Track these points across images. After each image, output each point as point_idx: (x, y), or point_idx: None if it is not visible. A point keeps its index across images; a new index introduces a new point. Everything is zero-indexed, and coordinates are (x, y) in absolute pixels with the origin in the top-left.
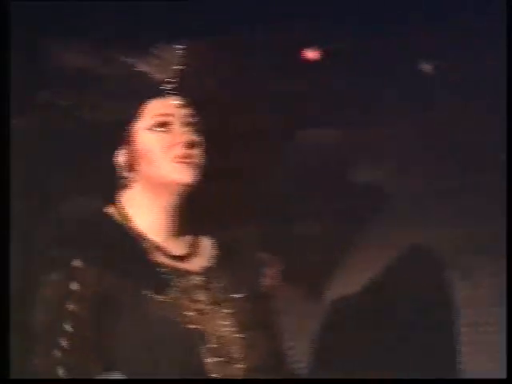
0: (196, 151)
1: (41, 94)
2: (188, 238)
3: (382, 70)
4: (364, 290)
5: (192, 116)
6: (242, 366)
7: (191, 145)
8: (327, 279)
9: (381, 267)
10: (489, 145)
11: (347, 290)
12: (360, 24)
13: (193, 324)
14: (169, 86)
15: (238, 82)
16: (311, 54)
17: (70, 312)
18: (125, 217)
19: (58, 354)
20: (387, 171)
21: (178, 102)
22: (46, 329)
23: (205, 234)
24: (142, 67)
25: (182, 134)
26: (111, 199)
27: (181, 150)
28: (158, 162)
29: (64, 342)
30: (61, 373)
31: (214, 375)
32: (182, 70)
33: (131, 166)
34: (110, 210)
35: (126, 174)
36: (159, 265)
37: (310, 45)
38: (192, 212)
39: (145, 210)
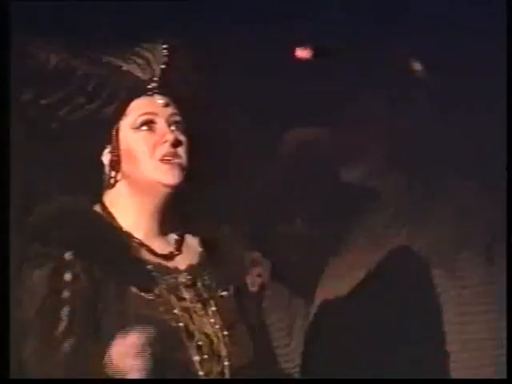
0: (181, 150)
1: (24, 93)
2: (173, 237)
3: (380, 70)
4: (354, 289)
5: (177, 115)
6: (228, 363)
7: (176, 144)
8: (316, 278)
9: (371, 266)
10: (489, 145)
11: (336, 290)
12: (360, 24)
13: (179, 322)
14: (153, 85)
15: (223, 81)
16: (303, 53)
17: (66, 300)
18: (110, 216)
19: (58, 334)
20: (379, 171)
21: (162, 100)
22: (43, 317)
23: (190, 232)
24: (127, 66)
25: (166, 133)
26: (97, 198)
27: (165, 149)
28: (142, 162)
29: (63, 327)
30: (64, 352)
31: (200, 373)
32: (166, 68)
33: (115, 166)
34: (97, 208)
35: (110, 173)
36: (145, 262)
37: (301, 43)
38: (177, 211)
39: (129, 210)
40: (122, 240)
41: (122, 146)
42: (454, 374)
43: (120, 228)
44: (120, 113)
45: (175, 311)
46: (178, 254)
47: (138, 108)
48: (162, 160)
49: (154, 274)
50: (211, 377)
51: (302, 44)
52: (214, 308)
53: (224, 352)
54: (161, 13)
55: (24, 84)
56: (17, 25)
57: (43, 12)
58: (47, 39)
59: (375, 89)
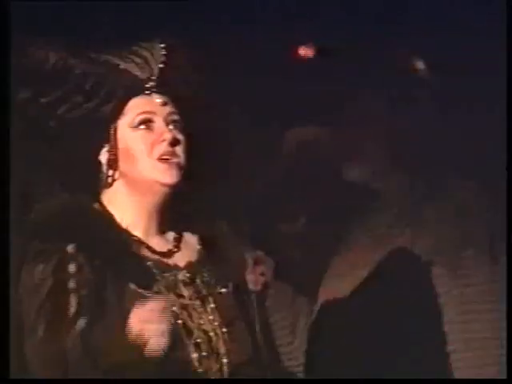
0: (179, 149)
1: (22, 92)
2: (171, 235)
3: (380, 70)
4: (357, 288)
5: (175, 114)
6: (227, 360)
7: (174, 143)
8: (320, 277)
9: (374, 266)
10: (489, 145)
11: (339, 289)
12: (360, 24)
13: (177, 319)
14: (151, 84)
15: (223, 81)
16: (306, 51)
17: (72, 289)
18: (108, 214)
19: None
20: (382, 171)
21: (160, 99)
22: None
23: (189, 230)
24: (124, 65)
25: (164, 132)
26: (95, 197)
27: (163, 148)
28: (140, 161)
29: (73, 308)
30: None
31: (199, 370)
32: (164, 67)
33: (113, 165)
34: (95, 206)
35: (107, 172)
36: (144, 260)
37: (301, 43)
38: (176, 210)
39: (127, 208)
40: (121, 237)
41: (120, 144)
42: (457, 373)
43: (119, 225)
44: (118, 112)
45: (174, 309)
46: (176, 252)
47: (136, 107)
48: (159, 159)
49: (153, 271)
50: (210, 374)
51: (302, 43)
52: (212, 305)
53: (223, 349)
54: (159, 12)
55: (22, 83)
56: (17, 25)
57: (43, 12)
58: (47, 39)
59: (375, 89)
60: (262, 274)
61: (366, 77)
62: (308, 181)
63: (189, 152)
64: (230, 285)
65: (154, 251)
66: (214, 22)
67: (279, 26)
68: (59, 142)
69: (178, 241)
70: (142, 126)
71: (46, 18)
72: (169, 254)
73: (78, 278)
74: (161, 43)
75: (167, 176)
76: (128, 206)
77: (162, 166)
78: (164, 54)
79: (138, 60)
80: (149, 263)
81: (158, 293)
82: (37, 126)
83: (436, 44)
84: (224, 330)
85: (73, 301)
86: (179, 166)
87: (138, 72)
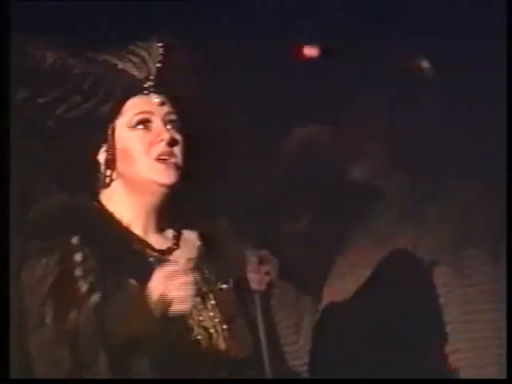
0: (177, 149)
1: (20, 92)
2: (170, 232)
3: (380, 70)
4: (361, 287)
5: (173, 114)
6: (227, 357)
7: (172, 143)
8: (324, 277)
9: (377, 265)
10: (489, 145)
11: (343, 289)
12: (360, 24)
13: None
14: (149, 84)
15: (223, 81)
16: (311, 51)
17: (79, 276)
18: (107, 212)
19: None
20: (382, 171)
21: (158, 99)
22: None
23: (188, 227)
24: (122, 65)
25: (162, 132)
26: (93, 197)
27: (161, 148)
28: (137, 161)
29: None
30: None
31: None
32: (162, 67)
33: (111, 165)
34: (94, 205)
35: (105, 172)
36: (144, 257)
37: (301, 43)
38: (175, 210)
39: (125, 208)
40: (121, 235)
41: (118, 144)
42: (459, 373)
43: (119, 222)
44: (116, 111)
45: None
46: (176, 249)
47: (134, 107)
48: (157, 159)
49: (153, 267)
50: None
51: (303, 43)
52: (213, 301)
53: (223, 346)
54: (156, 11)
55: (20, 83)
56: (17, 25)
57: (42, 12)
58: (46, 39)
59: (375, 89)
60: (267, 274)
61: (367, 77)
62: (308, 181)
63: (188, 152)
64: (231, 281)
65: (153, 249)
66: (213, 22)
67: (279, 26)
68: (57, 141)
69: (177, 238)
70: (140, 126)
71: (45, 18)
72: (168, 251)
73: (84, 267)
74: (158, 42)
75: (165, 176)
76: (126, 205)
77: (160, 166)
78: (162, 54)
79: (135, 59)
80: (151, 259)
81: None
82: (35, 126)
83: (436, 44)
84: (224, 326)
85: (82, 283)
86: (177, 166)
87: (135, 72)
